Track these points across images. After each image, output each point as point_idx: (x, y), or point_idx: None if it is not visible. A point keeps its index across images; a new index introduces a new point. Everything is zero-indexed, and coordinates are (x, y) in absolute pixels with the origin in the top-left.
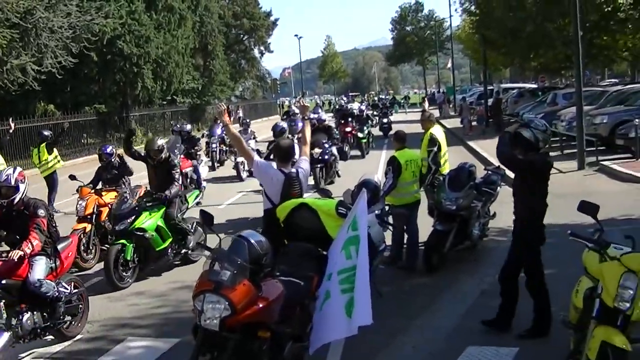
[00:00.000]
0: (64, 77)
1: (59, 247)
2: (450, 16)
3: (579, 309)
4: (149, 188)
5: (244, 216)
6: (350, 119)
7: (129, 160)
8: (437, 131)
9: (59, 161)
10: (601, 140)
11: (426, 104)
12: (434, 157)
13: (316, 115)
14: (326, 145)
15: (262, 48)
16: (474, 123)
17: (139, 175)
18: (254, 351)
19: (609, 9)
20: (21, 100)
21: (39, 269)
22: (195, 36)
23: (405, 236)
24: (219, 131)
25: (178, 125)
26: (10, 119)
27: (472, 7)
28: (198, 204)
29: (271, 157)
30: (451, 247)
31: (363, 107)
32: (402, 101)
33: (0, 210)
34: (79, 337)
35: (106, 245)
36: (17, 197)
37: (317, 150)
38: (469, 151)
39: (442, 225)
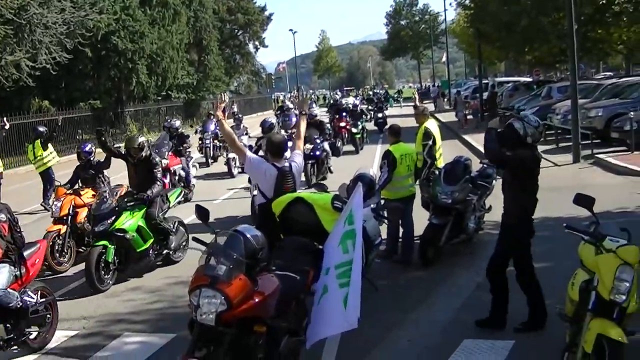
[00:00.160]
0: (58, 73)
1: (25, 253)
2: (445, 10)
3: (574, 301)
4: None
5: (233, 214)
6: (344, 114)
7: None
8: (432, 125)
9: (54, 157)
10: (596, 134)
11: (417, 97)
12: (429, 150)
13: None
14: (318, 141)
15: (256, 43)
16: (469, 117)
17: (121, 175)
18: (250, 346)
19: (604, 2)
20: (15, 97)
21: (1, 277)
22: (189, 31)
23: (401, 230)
24: (212, 127)
25: (168, 121)
26: (5, 118)
27: (467, 1)
28: (180, 202)
29: (259, 153)
30: (447, 240)
31: (357, 102)
32: (396, 95)
33: None
34: (74, 332)
35: (83, 248)
36: None
37: (308, 146)
38: (464, 145)
39: (438, 218)
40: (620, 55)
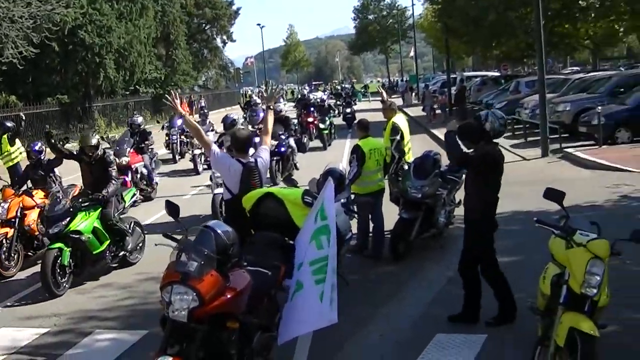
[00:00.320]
0: (25, 68)
1: None
2: (413, 5)
3: (546, 295)
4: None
5: (196, 213)
6: (312, 109)
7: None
8: (400, 119)
9: (21, 152)
10: (564, 128)
11: (384, 93)
12: (397, 145)
13: None
14: (283, 137)
15: (224, 37)
16: (437, 111)
17: (74, 177)
18: (222, 342)
19: None
20: None
21: None
22: (157, 26)
23: (371, 225)
24: (179, 122)
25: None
26: None
27: None
28: (136, 202)
29: (221, 149)
30: (417, 235)
31: (325, 97)
32: (362, 90)
33: None
34: (45, 330)
35: (32, 252)
36: None
37: (272, 142)
38: (433, 139)
39: (408, 213)
40: (587, 50)
